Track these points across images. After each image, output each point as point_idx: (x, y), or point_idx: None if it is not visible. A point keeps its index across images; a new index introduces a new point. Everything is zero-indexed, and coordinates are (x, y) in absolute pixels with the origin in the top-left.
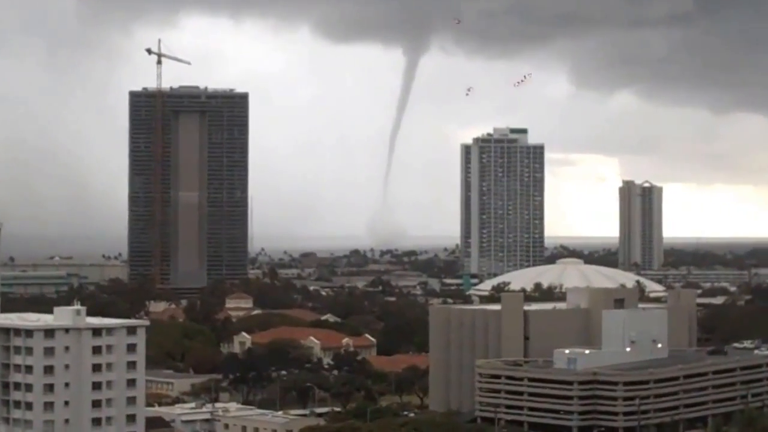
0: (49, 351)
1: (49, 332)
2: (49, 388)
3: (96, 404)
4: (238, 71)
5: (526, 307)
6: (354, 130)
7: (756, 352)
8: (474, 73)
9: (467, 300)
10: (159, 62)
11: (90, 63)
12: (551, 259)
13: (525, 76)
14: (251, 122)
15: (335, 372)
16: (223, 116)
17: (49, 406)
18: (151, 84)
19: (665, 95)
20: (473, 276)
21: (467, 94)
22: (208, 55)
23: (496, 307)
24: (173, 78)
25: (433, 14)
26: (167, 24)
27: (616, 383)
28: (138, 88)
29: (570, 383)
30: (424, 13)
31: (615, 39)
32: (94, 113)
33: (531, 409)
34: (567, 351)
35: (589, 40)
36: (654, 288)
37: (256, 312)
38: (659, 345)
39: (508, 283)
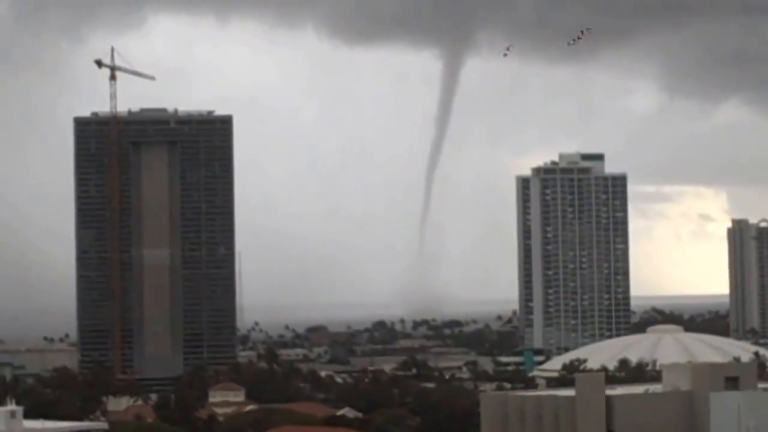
0: None
1: None
2: None
3: None
4: (219, 87)
5: (608, 392)
6: (377, 161)
7: None
8: (531, 81)
9: (530, 384)
10: (113, 78)
11: (28, 79)
12: (641, 327)
13: (583, 31)
14: (237, 155)
15: None
16: (199, 148)
17: None
18: (104, 107)
19: None
20: (537, 352)
21: (505, 55)
22: (179, 66)
23: (569, 392)
24: (133, 98)
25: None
26: (127, 27)
27: None
28: (86, 113)
29: None
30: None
31: (719, 31)
32: (29, 147)
33: None
34: None
35: (685, 33)
36: None
37: (250, 407)
38: None
39: (584, 360)
